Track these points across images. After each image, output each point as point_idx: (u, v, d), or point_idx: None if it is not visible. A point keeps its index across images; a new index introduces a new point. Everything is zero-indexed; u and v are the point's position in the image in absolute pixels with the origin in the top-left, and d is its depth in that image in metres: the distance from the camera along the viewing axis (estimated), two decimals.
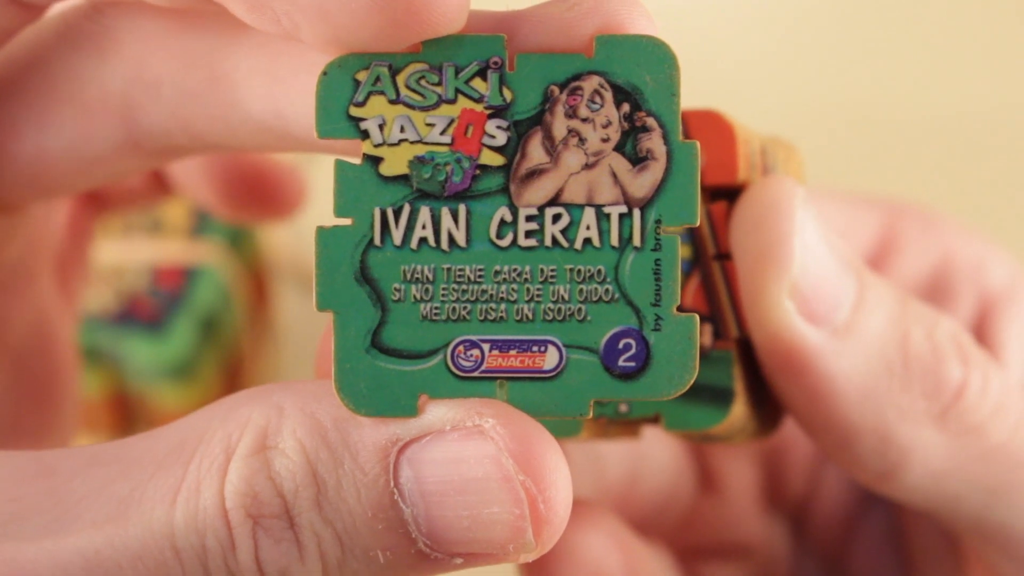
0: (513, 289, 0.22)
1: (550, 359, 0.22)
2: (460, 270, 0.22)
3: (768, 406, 0.27)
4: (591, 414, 0.23)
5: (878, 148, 0.69)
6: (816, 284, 0.25)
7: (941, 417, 0.26)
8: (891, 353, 0.25)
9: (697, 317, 0.22)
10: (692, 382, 0.22)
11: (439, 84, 0.22)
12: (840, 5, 0.74)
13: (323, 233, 0.22)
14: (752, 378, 0.26)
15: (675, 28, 0.78)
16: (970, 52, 0.72)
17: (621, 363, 0.22)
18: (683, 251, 0.26)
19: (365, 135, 0.22)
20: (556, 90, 0.22)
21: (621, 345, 0.22)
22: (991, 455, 0.26)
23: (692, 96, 0.27)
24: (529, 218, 0.22)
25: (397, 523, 0.22)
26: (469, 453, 0.22)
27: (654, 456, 0.33)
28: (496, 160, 0.22)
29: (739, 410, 0.26)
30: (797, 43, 0.73)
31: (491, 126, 0.22)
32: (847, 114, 0.70)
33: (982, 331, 0.31)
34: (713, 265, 0.26)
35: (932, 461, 0.26)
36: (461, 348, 0.22)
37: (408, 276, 0.22)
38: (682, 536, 0.34)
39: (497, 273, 0.22)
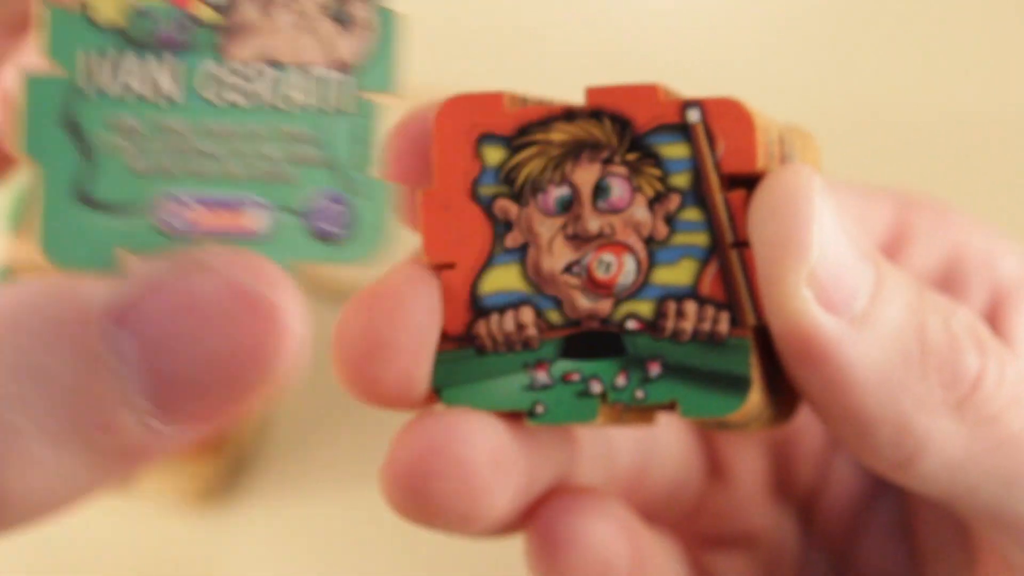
0: (223, 147, 0.23)
1: (259, 220, 0.22)
2: (169, 124, 0.23)
3: (783, 394, 0.27)
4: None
5: (885, 144, 0.69)
6: (834, 273, 0.25)
7: (958, 407, 0.26)
8: (909, 343, 0.26)
9: (389, 184, 0.23)
10: (386, 248, 0.22)
11: None
12: (849, 1, 0.74)
13: (32, 81, 0.22)
14: (768, 366, 0.26)
15: (686, 22, 0.78)
16: (977, 49, 0.72)
17: (324, 226, 0.23)
18: (701, 239, 0.26)
19: None
20: None
21: (325, 208, 0.23)
22: (1007, 445, 0.26)
23: (704, 89, 0.27)
24: (237, 73, 0.23)
25: (116, 392, 0.20)
26: (194, 289, 0.21)
27: (664, 444, 0.33)
28: (210, 16, 0.23)
29: (756, 398, 0.26)
30: (805, 37, 0.73)
31: None
32: (854, 110, 0.70)
33: (994, 323, 0.31)
34: (731, 253, 0.26)
35: (948, 451, 0.26)
36: (170, 206, 0.22)
37: (116, 127, 0.22)
38: (689, 525, 0.34)
39: (207, 130, 0.23)
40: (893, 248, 0.32)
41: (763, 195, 0.25)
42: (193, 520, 0.62)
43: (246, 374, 0.21)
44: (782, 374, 0.27)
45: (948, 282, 0.31)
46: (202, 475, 0.60)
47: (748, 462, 0.34)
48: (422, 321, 0.25)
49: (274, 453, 0.64)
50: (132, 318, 0.20)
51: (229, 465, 0.61)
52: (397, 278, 0.26)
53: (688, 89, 0.27)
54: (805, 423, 0.33)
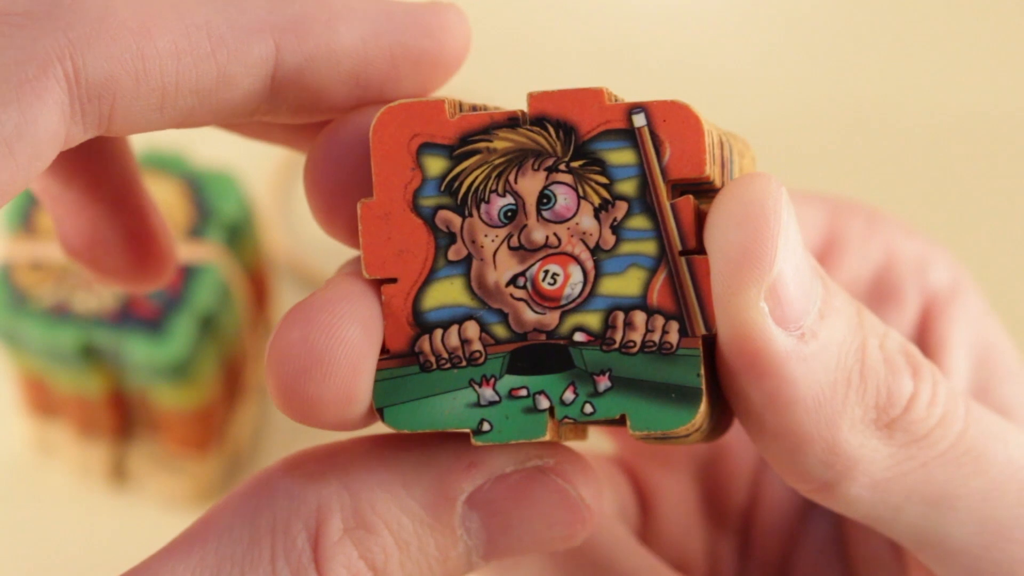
0: None
1: None
2: None
3: (722, 407, 0.27)
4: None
5: (862, 152, 0.68)
6: (791, 288, 0.25)
7: (888, 427, 0.26)
8: (850, 363, 0.25)
9: None
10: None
11: None
12: (833, 8, 0.74)
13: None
14: (711, 377, 0.26)
15: (668, 28, 0.77)
16: (959, 55, 0.72)
17: None
18: (649, 247, 0.25)
19: None
20: None
21: None
22: (933, 464, 0.26)
23: (698, 90, 0.26)
24: None
25: (462, 555, 0.25)
26: (532, 487, 0.26)
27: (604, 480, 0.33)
28: None
29: (704, 410, 0.25)
30: (786, 44, 0.72)
31: None
32: (837, 116, 0.69)
33: (926, 331, 0.30)
34: (680, 261, 0.25)
35: (876, 471, 0.26)
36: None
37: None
38: None
39: None
40: (825, 255, 0.31)
41: (726, 203, 0.25)
42: (192, 520, 0.62)
43: (555, 547, 0.26)
44: (720, 386, 0.26)
45: (881, 290, 0.31)
46: (202, 475, 0.60)
47: (675, 491, 0.33)
48: (360, 336, 0.25)
49: (271, 453, 0.63)
50: (480, 500, 0.25)
51: (228, 465, 0.61)
52: (334, 292, 0.25)
53: (682, 91, 0.27)
54: (734, 442, 0.32)
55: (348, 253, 0.27)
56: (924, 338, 0.31)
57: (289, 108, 0.26)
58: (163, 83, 0.24)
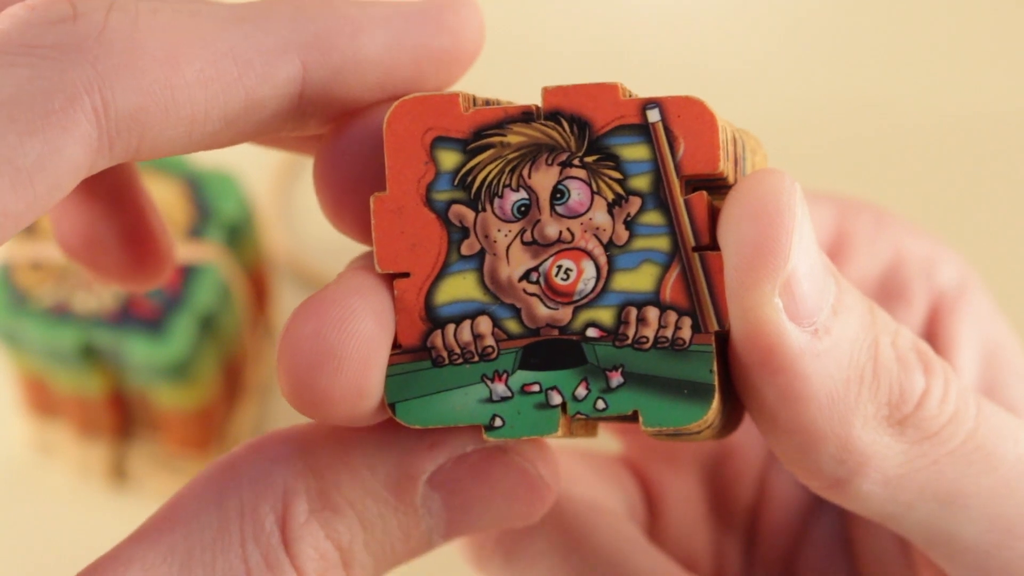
0: None
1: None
2: None
3: (733, 403, 0.27)
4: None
5: (870, 152, 0.68)
6: (804, 284, 0.25)
7: (901, 424, 0.26)
8: (862, 360, 0.25)
9: None
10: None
11: None
12: (843, 7, 0.74)
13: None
14: (723, 374, 0.26)
15: (679, 25, 0.77)
16: (969, 54, 0.72)
17: None
18: (662, 243, 0.25)
19: None
20: None
21: None
22: (944, 462, 0.26)
23: (693, 91, 0.26)
24: None
25: (424, 534, 0.26)
26: (490, 466, 0.26)
27: (608, 484, 0.33)
28: None
29: (716, 406, 0.25)
30: (794, 43, 0.72)
31: None
32: (846, 116, 0.69)
33: (934, 331, 0.30)
34: (693, 257, 0.25)
35: (888, 468, 0.26)
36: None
37: None
38: None
39: None
40: (834, 254, 0.31)
41: (740, 199, 0.25)
42: None
43: (514, 525, 0.27)
44: (731, 383, 0.26)
45: (889, 289, 0.31)
46: None
47: (682, 490, 0.33)
48: (372, 330, 0.25)
49: None
50: (441, 480, 0.26)
51: None
52: (346, 286, 0.25)
53: (693, 88, 0.27)
54: (741, 442, 0.33)
55: (348, 254, 0.27)
56: (932, 337, 0.31)
57: (316, 121, 0.26)
58: (192, 112, 0.24)
